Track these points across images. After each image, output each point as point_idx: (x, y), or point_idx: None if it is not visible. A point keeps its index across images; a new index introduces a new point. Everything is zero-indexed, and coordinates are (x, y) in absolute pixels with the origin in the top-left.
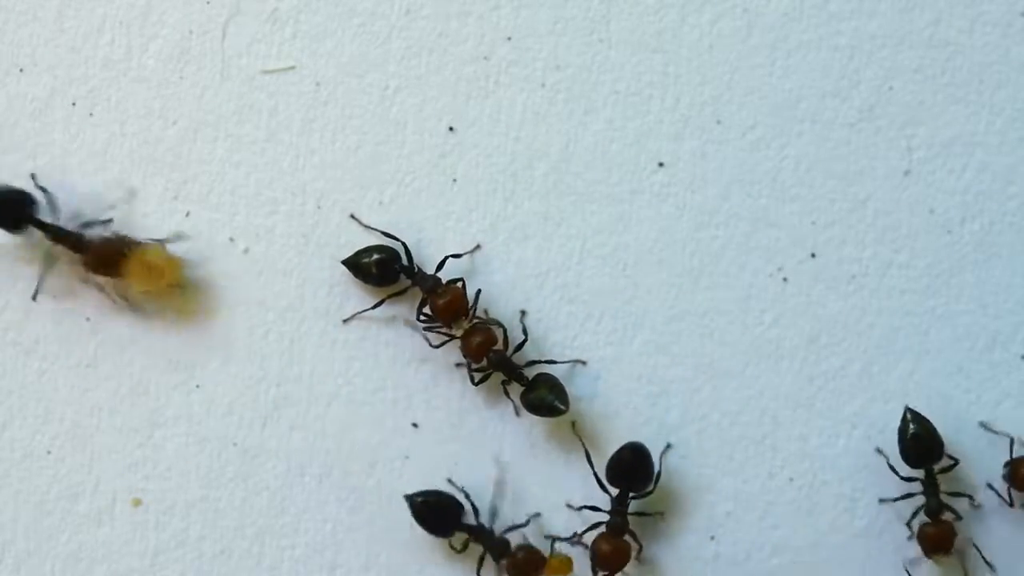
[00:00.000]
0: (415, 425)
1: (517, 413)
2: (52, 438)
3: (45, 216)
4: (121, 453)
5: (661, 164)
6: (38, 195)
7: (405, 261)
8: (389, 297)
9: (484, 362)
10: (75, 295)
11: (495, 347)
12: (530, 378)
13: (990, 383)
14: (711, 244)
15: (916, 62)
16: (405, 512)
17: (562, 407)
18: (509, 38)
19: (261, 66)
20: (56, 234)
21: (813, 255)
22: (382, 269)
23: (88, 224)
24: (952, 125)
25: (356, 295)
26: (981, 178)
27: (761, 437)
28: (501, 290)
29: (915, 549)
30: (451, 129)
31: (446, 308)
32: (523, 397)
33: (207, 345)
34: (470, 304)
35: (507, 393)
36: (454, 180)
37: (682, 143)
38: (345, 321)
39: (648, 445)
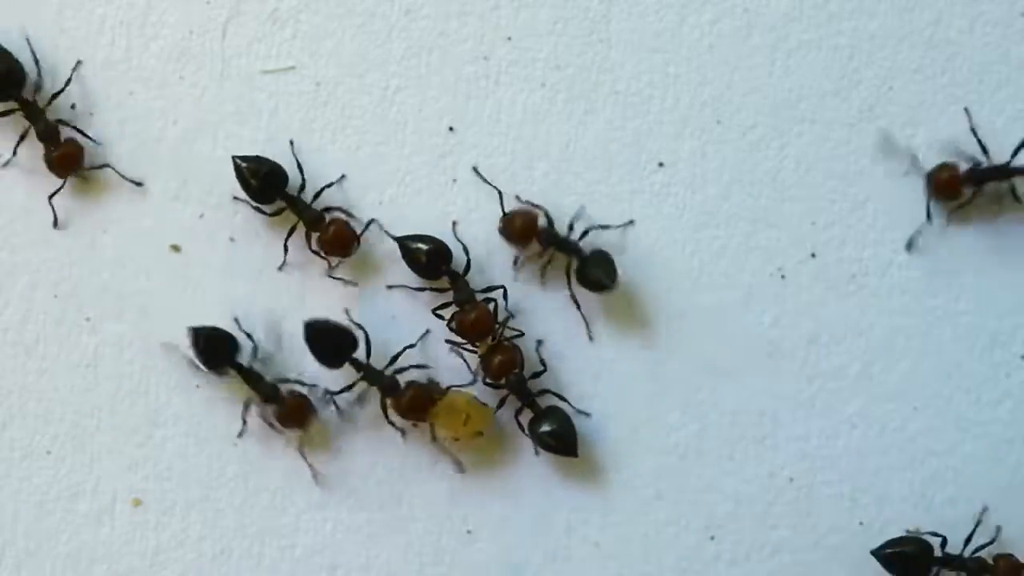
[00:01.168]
0: (415, 425)
1: (534, 442)
2: (52, 438)
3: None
4: (121, 453)
5: (661, 164)
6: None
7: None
8: (434, 290)
9: (501, 381)
10: (76, 295)
11: (516, 370)
12: (543, 408)
13: (990, 383)
14: (711, 244)
15: (916, 62)
16: (405, 512)
17: (573, 451)
18: (509, 38)
19: (261, 66)
20: (370, 374)
21: (813, 255)
22: (430, 261)
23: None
24: (952, 125)
25: (358, 295)
26: None
27: (761, 437)
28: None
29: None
30: (451, 129)
31: (471, 325)
32: (531, 426)
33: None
34: (497, 325)
35: (518, 417)
36: (454, 180)
37: (682, 143)
38: (389, 287)
39: (647, 441)
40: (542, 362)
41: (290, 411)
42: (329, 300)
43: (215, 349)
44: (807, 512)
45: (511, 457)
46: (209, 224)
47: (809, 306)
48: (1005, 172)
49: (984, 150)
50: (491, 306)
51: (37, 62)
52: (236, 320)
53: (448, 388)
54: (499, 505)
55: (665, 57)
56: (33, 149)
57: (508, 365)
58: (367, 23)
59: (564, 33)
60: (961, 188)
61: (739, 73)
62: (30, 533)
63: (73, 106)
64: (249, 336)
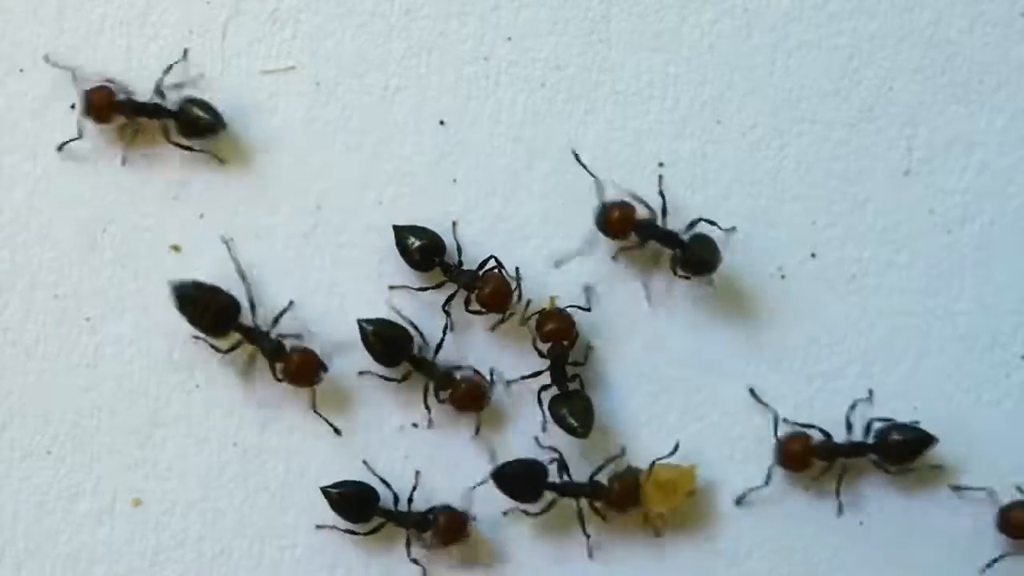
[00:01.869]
0: (415, 425)
1: (548, 417)
2: (52, 438)
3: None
4: (121, 453)
5: (661, 164)
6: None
7: (455, 260)
8: (429, 288)
9: (547, 346)
10: (76, 295)
11: (566, 341)
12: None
13: (990, 383)
14: None
15: (916, 62)
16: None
17: (581, 431)
18: (509, 38)
19: (261, 66)
20: (568, 490)
21: (813, 255)
22: (423, 255)
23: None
24: (952, 125)
25: (357, 295)
26: (981, 178)
27: (761, 437)
28: None
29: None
30: (450, 129)
31: (493, 294)
32: (552, 404)
33: (207, 345)
34: (513, 284)
35: (541, 394)
36: (454, 180)
37: (682, 143)
38: (391, 287)
39: (647, 445)
40: (585, 357)
41: (447, 528)
42: (330, 297)
43: (355, 506)
44: (807, 512)
45: (511, 458)
46: (209, 224)
47: (809, 306)
48: (671, 240)
49: (664, 212)
50: (494, 269)
51: (246, 283)
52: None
53: (637, 468)
54: (498, 506)
55: (665, 57)
56: (34, 152)
57: (559, 333)
58: (367, 23)
59: (564, 33)
60: (628, 232)
61: (739, 73)
62: (30, 533)
63: (73, 106)
64: (386, 483)
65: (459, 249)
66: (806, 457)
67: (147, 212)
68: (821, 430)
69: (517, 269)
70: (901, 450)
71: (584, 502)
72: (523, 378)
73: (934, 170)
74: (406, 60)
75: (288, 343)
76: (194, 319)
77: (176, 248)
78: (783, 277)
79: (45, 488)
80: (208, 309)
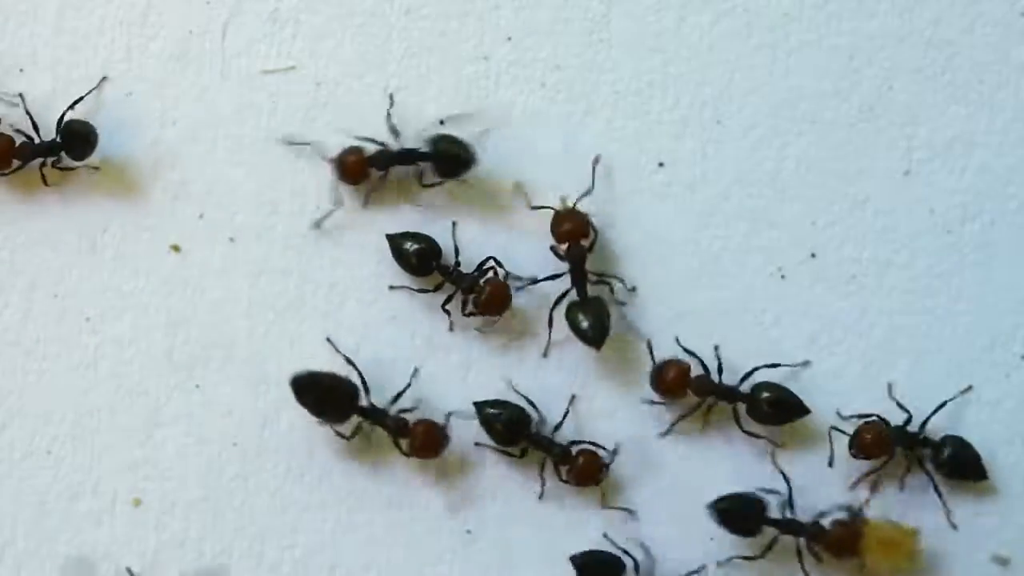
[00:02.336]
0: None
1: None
2: (52, 438)
3: None
4: (121, 453)
5: (661, 164)
6: None
7: (453, 260)
8: (429, 291)
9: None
10: (76, 295)
11: (584, 239)
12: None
13: (990, 383)
14: (711, 244)
15: (916, 62)
16: (404, 512)
17: (595, 338)
18: (509, 38)
19: (261, 66)
20: (789, 528)
21: (813, 255)
22: (420, 261)
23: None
24: (952, 125)
25: (357, 295)
26: (981, 178)
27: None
28: None
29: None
30: (451, 129)
31: (491, 300)
32: (569, 309)
33: (207, 345)
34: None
35: (556, 306)
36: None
37: (682, 143)
38: (391, 288)
39: (647, 442)
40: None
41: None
42: (330, 297)
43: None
44: (809, 512)
45: (511, 458)
46: (209, 224)
47: (809, 306)
48: (411, 157)
49: (395, 133)
50: (494, 275)
51: (363, 381)
52: None
53: (864, 517)
54: (499, 505)
55: (665, 57)
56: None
57: (575, 232)
58: (367, 23)
59: (564, 33)
60: (367, 171)
61: (739, 73)
62: (30, 533)
63: (72, 106)
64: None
65: (456, 250)
66: (681, 385)
67: (147, 212)
68: (703, 364)
69: (533, 278)
70: (769, 408)
71: (802, 541)
72: (535, 281)
73: (934, 170)
74: (406, 60)
75: (409, 417)
76: (316, 409)
77: (176, 248)
78: (783, 277)
79: (45, 488)
80: (329, 398)
